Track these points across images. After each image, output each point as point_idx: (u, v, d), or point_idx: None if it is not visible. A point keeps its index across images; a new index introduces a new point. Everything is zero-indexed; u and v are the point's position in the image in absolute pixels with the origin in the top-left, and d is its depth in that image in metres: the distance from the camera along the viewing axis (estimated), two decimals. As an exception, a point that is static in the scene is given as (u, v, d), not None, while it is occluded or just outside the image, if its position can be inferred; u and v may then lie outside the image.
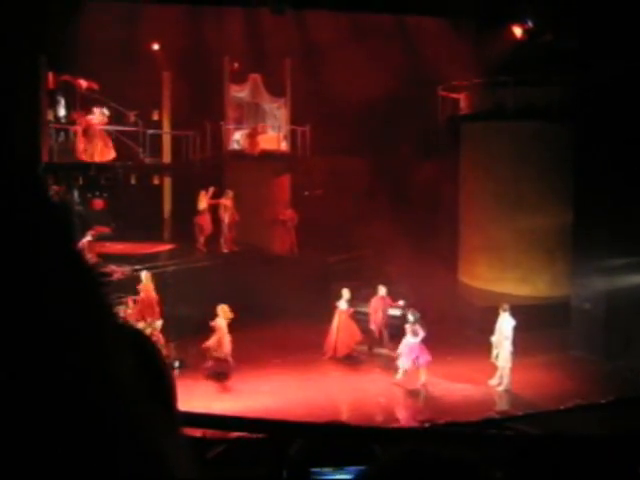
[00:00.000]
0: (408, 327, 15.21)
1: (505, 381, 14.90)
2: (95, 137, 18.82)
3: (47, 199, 0.78)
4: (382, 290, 16.78)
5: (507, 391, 14.86)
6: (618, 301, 16.09)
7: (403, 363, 15.03)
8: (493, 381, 15.03)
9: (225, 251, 19.89)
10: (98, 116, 18.90)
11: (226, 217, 19.91)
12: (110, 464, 0.71)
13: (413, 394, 14.90)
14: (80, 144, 19.11)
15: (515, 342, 14.96)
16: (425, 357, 14.96)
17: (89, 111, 18.98)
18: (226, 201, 20.01)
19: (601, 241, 16.06)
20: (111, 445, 0.72)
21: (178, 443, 0.85)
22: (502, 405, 14.54)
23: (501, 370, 14.98)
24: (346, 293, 16.82)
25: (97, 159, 18.79)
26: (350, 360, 16.64)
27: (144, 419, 0.78)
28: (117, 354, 0.78)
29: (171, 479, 0.79)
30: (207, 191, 19.97)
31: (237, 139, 22.25)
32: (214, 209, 20.06)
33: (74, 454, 0.69)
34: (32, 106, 16.11)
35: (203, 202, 19.92)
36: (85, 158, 18.69)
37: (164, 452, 0.78)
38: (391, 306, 16.60)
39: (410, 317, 15.24)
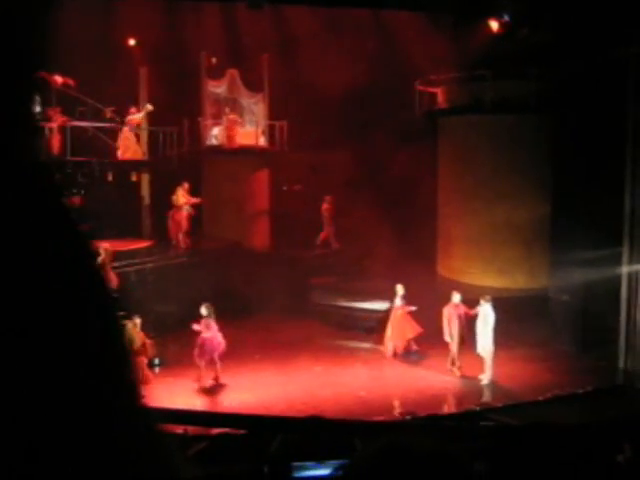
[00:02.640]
0: (202, 322, 14.95)
1: (488, 373, 14.99)
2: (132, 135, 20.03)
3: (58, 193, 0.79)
4: (456, 297, 15.70)
5: (489, 383, 14.93)
6: (595, 292, 16.25)
7: (201, 358, 14.85)
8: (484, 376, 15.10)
9: (183, 246, 19.81)
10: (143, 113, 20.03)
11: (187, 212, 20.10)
12: (120, 462, 0.71)
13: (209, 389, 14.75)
14: (55, 142, 18.96)
15: (495, 334, 15.08)
16: (220, 349, 14.94)
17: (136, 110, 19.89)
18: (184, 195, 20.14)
19: (578, 233, 16.20)
20: (121, 443, 0.72)
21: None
22: (482, 397, 14.63)
23: (485, 361, 15.05)
24: (400, 289, 16.48)
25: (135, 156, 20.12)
26: (407, 357, 16.42)
27: (146, 417, 0.78)
28: (120, 344, 0.79)
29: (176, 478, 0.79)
30: (183, 187, 19.93)
31: (215, 134, 22.17)
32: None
33: (84, 451, 0.69)
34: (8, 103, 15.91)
35: (181, 198, 19.85)
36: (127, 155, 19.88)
37: (170, 451, 0.79)
38: (467, 315, 15.53)
39: (203, 311, 14.99)
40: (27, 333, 0.68)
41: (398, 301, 16.50)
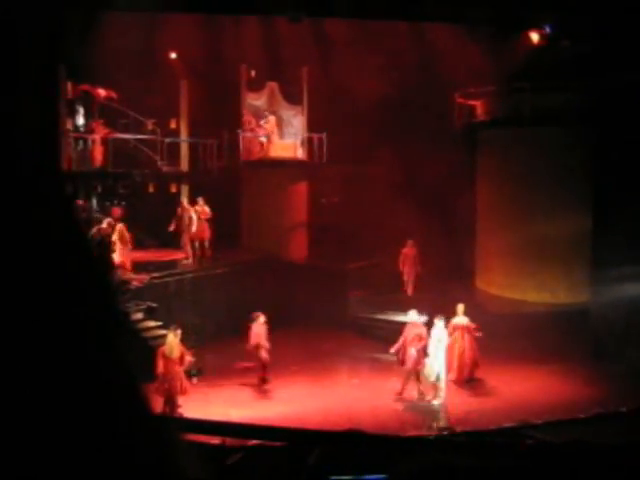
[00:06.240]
0: None
1: (442, 394, 14.41)
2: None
3: (68, 206, 0.80)
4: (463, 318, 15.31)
5: (443, 404, 14.37)
6: (637, 308, 15.93)
7: None
8: (430, 397, 14.49)
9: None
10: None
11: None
12: (126, 460, 0.72)
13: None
14: (97, 153, 19.28)
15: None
16: None
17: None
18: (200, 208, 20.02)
19: (620, 248, 15.92)
20: (127, 441, 0.73)
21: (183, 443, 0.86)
22: (520, 414, 14.39)
23: (438, 383, 14.43)
24: (460, 308, 15.57)
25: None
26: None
27: (153, 419, 0.79)
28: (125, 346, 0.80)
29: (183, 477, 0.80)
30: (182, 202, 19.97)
31: (262, 141, 22.15)
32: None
33: (92, 448, 0.70)
34: (51, 115, 16.27)
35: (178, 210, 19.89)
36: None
37: (176, 450, 0.79)
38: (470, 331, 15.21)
39: None
40: (34, 338, 0.70)
41: (461, 319, 15.47)
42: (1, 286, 0.71)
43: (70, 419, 0.70)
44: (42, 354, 0.70)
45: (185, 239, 19.40)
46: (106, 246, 15.98)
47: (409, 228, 20.47)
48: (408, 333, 14.76)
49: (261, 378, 15.29)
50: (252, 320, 15.41)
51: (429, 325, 15.01)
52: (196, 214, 19.52)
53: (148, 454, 0.76)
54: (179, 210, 19.55)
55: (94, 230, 16.07)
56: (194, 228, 19.35)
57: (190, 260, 19.29)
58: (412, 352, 14.56)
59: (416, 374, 14.58)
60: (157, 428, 0.81)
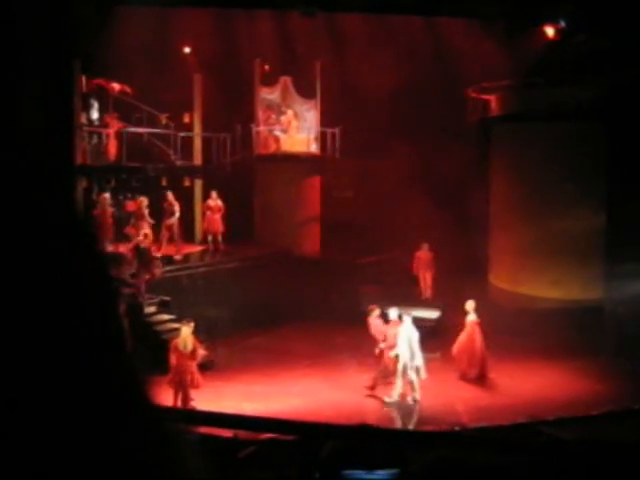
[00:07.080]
0: None
1: (418, 394, 14.18)
2: None
3: (72, 206, 0.81)
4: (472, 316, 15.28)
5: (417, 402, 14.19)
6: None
7: None
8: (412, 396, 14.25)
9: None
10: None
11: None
12: (125, 461, 0.73)
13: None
14: (111, 147, 19.36)
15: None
16: None
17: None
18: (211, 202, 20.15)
19: (635, 243, 15.83)
20: (126, 441, 0.74)
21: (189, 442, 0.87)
22: (532, 409, 14.34)
23: (411, 381, 14.16)
24: (470, 304, 15.50)
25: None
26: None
27: (154, 416, 0.80)
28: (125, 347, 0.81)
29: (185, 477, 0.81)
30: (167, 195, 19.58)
31: (277, 135, 22.14)
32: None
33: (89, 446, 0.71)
34: (65, 109, 16.38)
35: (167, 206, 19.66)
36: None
37: (185, 449, 0.80)
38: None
39: None
40: (37, 336, 0.71)
41: (471, 316, 15.41)
42: (5, 283, 0.71)
43: (71, 416, 0.70)
44: (45, 353, 0.71)
45: (165, 234, 18.97)
46: (147, 259, 16.21)
47: (422, 223, 20.43)
48: (389, 333, 14.72)
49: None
50: (368, 313, 15.45)
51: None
52: (179, 209, 19.33)
53: (154, 453, 0.77)
54: (166, 204, 19.33)
55: (132, 243, 16.42)
56: (172, 220, 19.07)
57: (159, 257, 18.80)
58: (380, 348, 14.66)
59: (393, 371, 14.43)
60: (164, 425, 0.81)
